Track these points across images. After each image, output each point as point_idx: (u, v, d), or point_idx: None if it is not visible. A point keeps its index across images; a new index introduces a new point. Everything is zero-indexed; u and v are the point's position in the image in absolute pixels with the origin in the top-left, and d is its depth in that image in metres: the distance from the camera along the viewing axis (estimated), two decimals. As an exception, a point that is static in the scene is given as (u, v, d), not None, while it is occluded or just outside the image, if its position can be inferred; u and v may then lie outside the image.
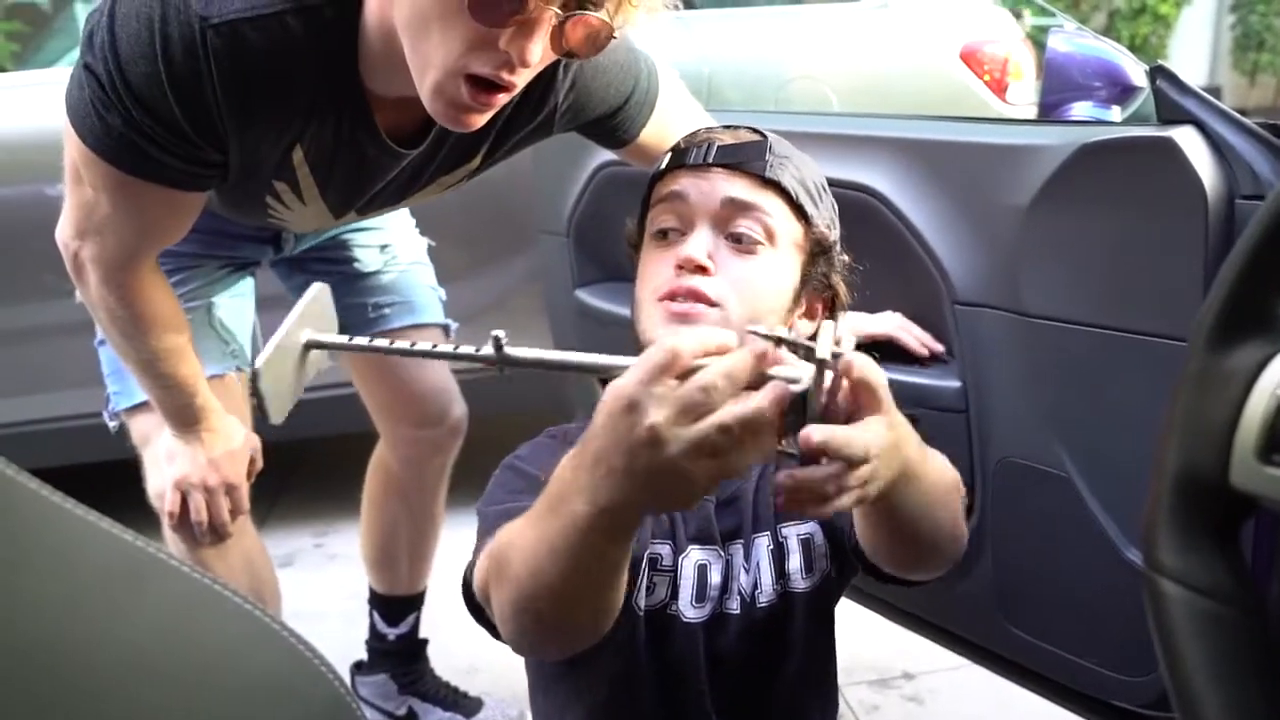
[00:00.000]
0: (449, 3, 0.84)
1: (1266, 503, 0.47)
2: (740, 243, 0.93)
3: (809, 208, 0.96)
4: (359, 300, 1.49)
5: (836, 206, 1.02)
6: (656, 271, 0.94)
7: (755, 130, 0.99)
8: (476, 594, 0.81)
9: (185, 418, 1.21)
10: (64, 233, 1.08)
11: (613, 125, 1.18)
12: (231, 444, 1.25)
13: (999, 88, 2.64)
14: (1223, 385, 0.49)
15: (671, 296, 0.91)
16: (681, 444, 0.60)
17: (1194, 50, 10.12)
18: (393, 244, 1.52)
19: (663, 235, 0.95)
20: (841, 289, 1.01)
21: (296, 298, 1.50)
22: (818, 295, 0.99)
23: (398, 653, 1.71)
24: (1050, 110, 1.32)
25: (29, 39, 2.94)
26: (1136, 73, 1.30)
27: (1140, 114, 1.40)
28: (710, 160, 0.94)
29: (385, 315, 1.50)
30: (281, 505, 2.64)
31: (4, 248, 2.21)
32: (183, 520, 1.25)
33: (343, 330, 1.48)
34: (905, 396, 1.21)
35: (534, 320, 2.10)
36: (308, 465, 2.79)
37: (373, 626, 1.74)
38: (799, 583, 0.96)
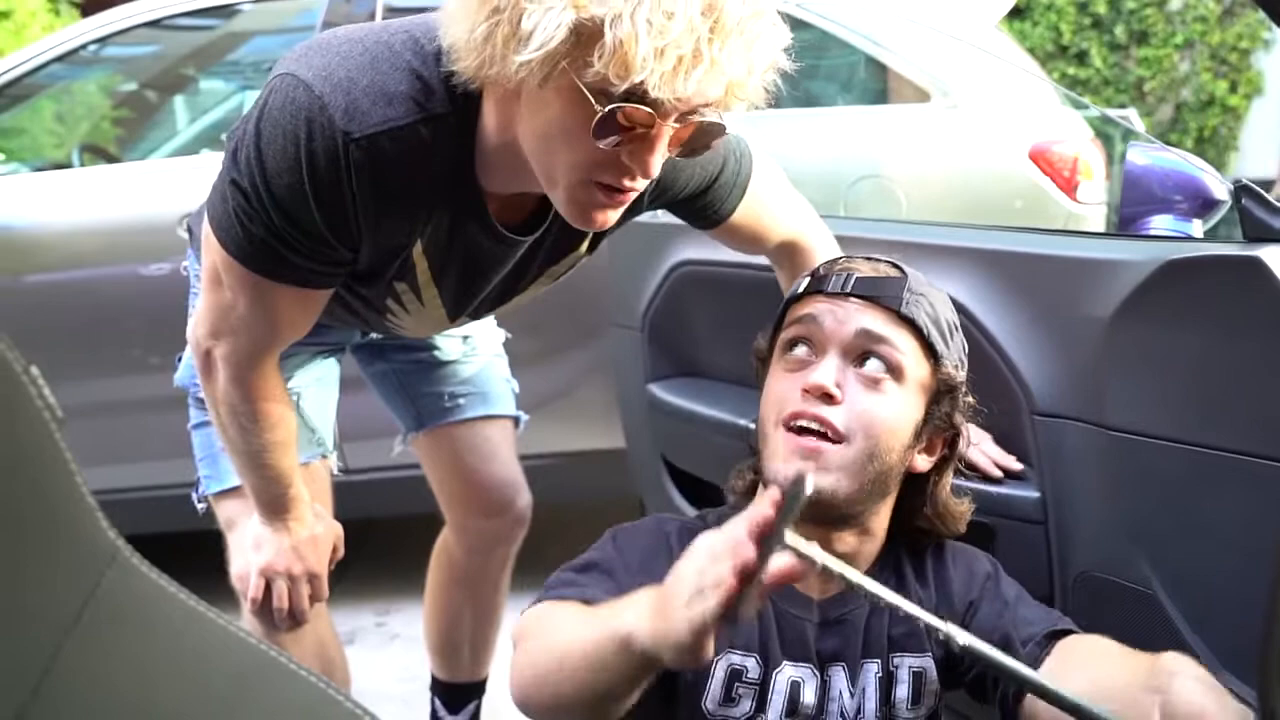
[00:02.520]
0: (573, 125, 0.88)
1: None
2: (869, 374, 0.95)
3: (939, 346, 0.98)
4: (436, 389, 1.54)
5: (966, 346, 1.05)
6: (783, 394, 0.96)
7: (895, 265, 1.02)
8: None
9: (278, 507, 1.25)
10: (198, 332, 1.14)
11: (702, 205, 1.19)
12: (316, 533, 1.29)
13: (1069, 187, 2.64)
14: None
15: (797, 419, 0.94)
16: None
17: (1265, 142, 9.99)
18: (474, 335, 1.56)
19: (792, 359, 0.98)
20: (964, 429, 1.03)
21: (376, 384, 1.57)
22: (939, 433, 1.01)
23: (459, 740, 1.71)
24: (1128, 223, 1.33)
25: (133, 125, 3.12)
26: (1217, 187, 1.31)
27: (1222, 226, 1.41)
28: (849, 290, 0.97)
29: (460, 405, 1.54)
30: (345, 582, 2.66)
31: (103, 322, 2.32)
32: (263, 605, 1.28)
33: (416, 419, 1.54)
34: (983, 507, 1.21)
35: (603, 412, 2.14)
36: (372, 543, 2.82)
37: (434, 713, 1.74)
38: (905, 713, 0.97)
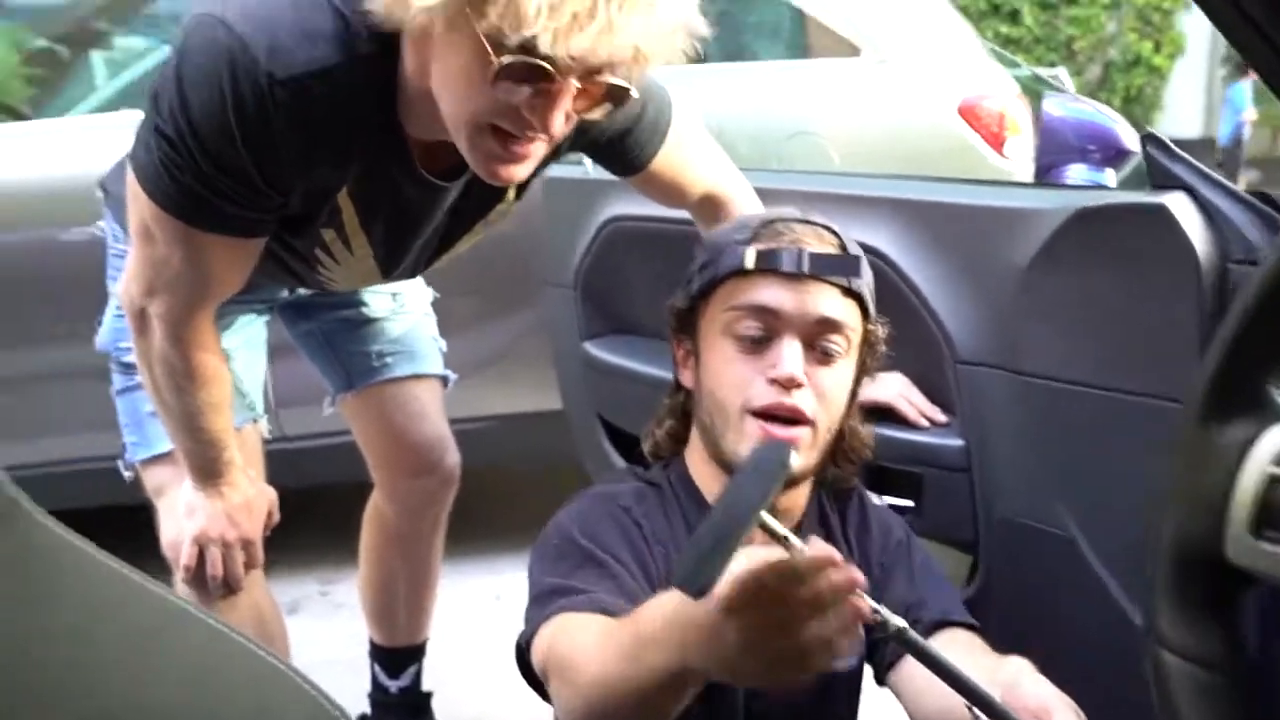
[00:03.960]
0: (475, 73, 0.88)
1: (1262, 578, 0.49)
2: (825, 355, 0.97)
3: (871, 309, 1.02)
4: (364, 348, 1.52)
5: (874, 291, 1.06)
6: (745, 380, 0.96)
7: (829, 229, 1.01)
8: (535, 669, 0.87)
9: (211, 471, 1.23)
10: (132, 291, 1.11)
11: (623, 149, 1.19)
12: (250, 498, 1.27)
13: (997, 143, 2.68)
14: (1215, 460, 0.51)
15: (769, 414, 0.94)
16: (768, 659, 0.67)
17: (1188, 102, 10.24)
18: (403, 293, 1.54)
19: (747, 339, 0.97)
20: (873, 364, 1.06)
21: (304, 345, 1.54)
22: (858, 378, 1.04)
23: (401, 705, 1.71)
24: (1045, 173, 1.36)
25: (46, 84, 2.99)
26: (1129, 137, 1.34)
27: (1133, 176, 1.44)
28: (805, 270, 0.96)
29: (388, 364, 1.52)
30: (289, 552, 2.61)
31: (20, 289, 2.23)
32: (197, 573, 1.26)
33: (344, 379, 1.52)
34: (908, 455, 1.24)
35: (541, 373, 2.13)
36: (315, 512, 2.78)
37: (375, 679, 1.74)
38: (837, 662, 0.99)
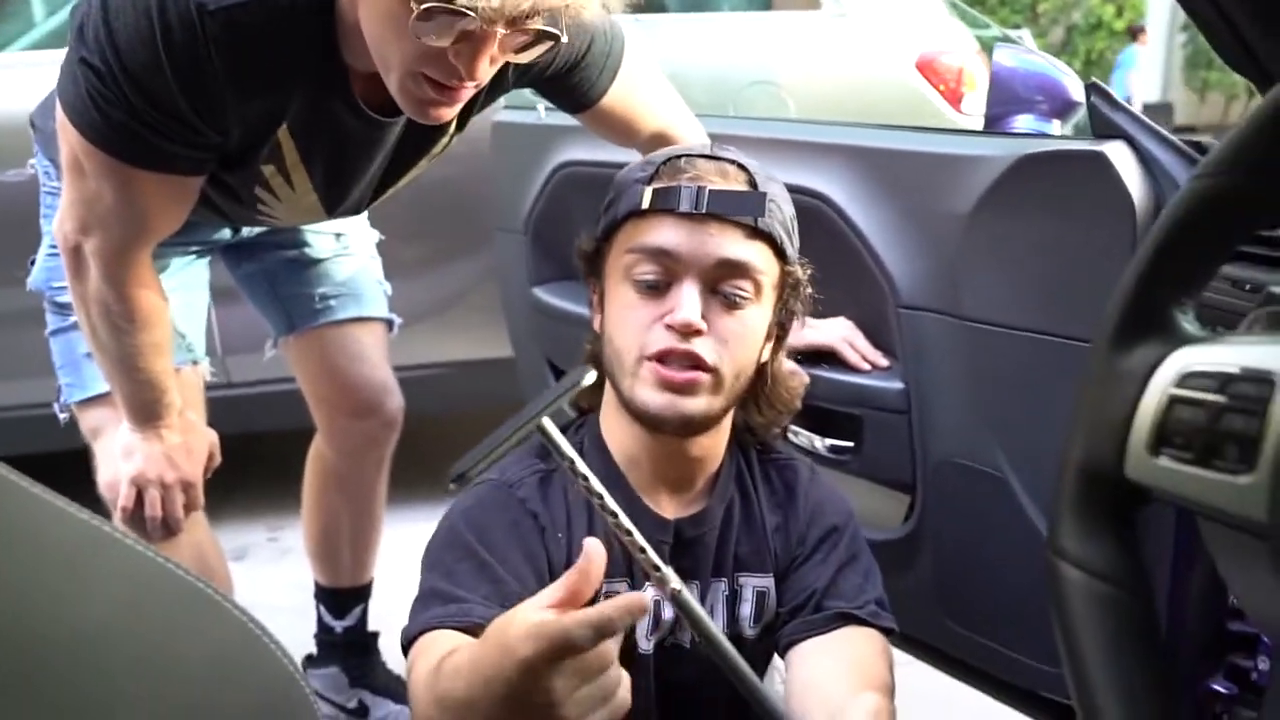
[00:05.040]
0: (399, 19, 0.86)
1: (1157, 493, 0.51)
2: (730, 299, 0.92)
3: (788, 249, 0.96)
4: (306, 290, 1.51)
5: (796, 221, 1.01)
6: (642, 326, 0.92)
7: (740, 165, 0.95)
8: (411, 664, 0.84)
9: (150, 413, 1.22)
10: (65, 227, 1.08)
11: (571, 84, 1.18)
12: (190, 440, 1.26)
13: (954, 98, 2.70)
14: (1121, 383, 0.53)
15: (664, 358, 0.90)
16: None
17: (1147, 66, 10.35)
18: (347, 233, 1.53)
19: (643, 284, 0.92)
20: (799, 307, 1.01)
21: (246, 287, 1.53)
22: (778, 324, 1.00)
23: (346, 645, 1.73)
24: (995, 123, 1.37)
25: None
26: (1076, 88, 1.35)
27: (1080, 129, 1.46)
28: (704, 209, 0.91)
29: (331, 306, 1.52)
30: (236, 498, 2.62)
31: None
32: (135, 514, 1.26)
33: (287, 321, 1.52)
34: (849, 398, 1.26)
35: (492, 320, 2.13)
36: (263, 459, 2.77)
37: (320, 619, 1.75)
38: (748, 630, 1.00)
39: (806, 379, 1.08)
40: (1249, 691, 0.96)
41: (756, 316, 0.94)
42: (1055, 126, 1.35)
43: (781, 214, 0.95)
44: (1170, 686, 0.51)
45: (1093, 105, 1.09)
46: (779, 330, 1.01)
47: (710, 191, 0.91)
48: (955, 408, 1.22)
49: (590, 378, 0.65)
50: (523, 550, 0.92)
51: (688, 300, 0.90)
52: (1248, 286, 0.85)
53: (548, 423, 0.66)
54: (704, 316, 0.90)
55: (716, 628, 0.71)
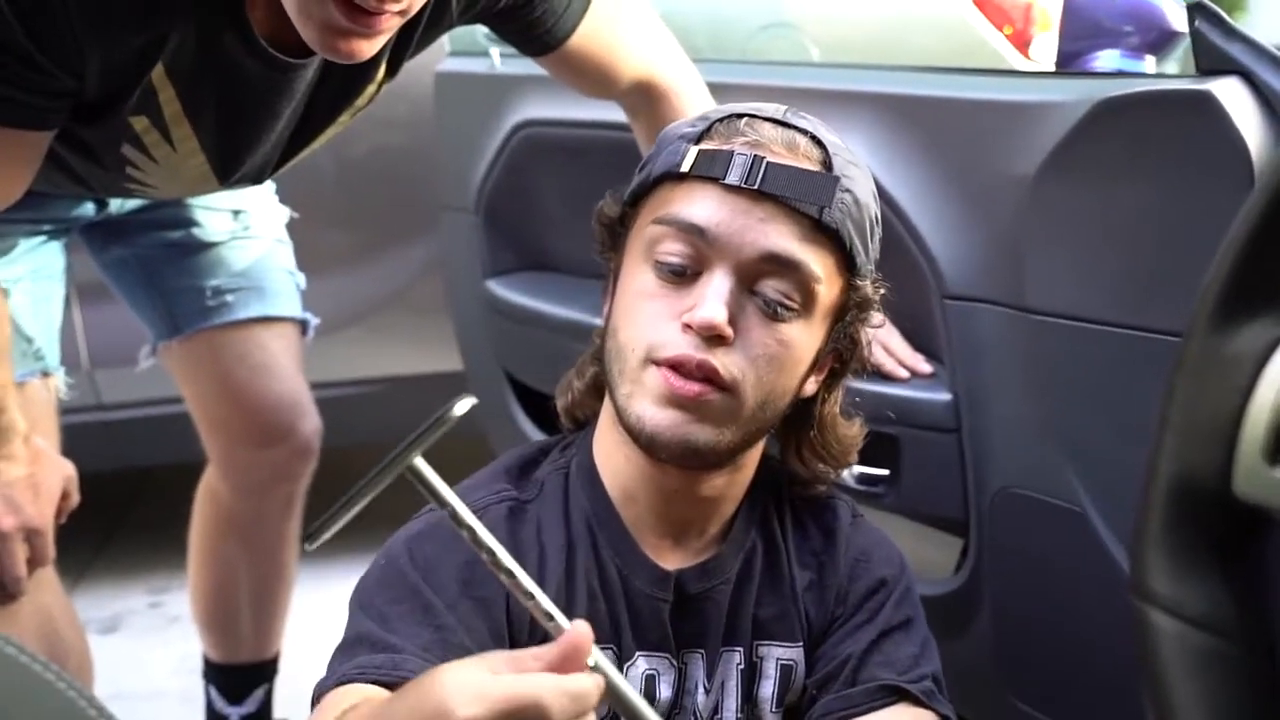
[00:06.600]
0: None
1: (1277, 514, 0.49)
2: (770, 306, 0.89)
3: (860, 259, 0.93)
4: (195, 282, 1.48)
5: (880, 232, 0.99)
6: (654, 321, 0.90)
7: (816, 139, 0.92)
8: None
9: None
10: None
11: (531, 21, 1.17)
12: (37, 474, 1.23)
13: (1021, 41, 2.69)
14: (1226, 373, 0.51)
15: (676, 367, 0.88)
16: None
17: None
18: (248, 210, 1.51)
19: (665, 267, 0.91)
20: (863, 339, 0.99)
21: (113, 276, 1.50)
22: (836, 350, 0.98)
23: (245, 741, 1.70)
24: (1069, 61, 1.36)
25: None
26: (1176, 15, 1.34)
27: (1184, 67, 1.46)
28: (758, 185, 0.88)
29: (228, 303, 1.49)
30: (109, 552, 2.60)
31: None
32: None
33: (169, 322, 1.49)
34: (882, 413, 1.24)
35: (434, 322, 2.11)
36: (146, 502, 2.75)
37: (210, 706, 1.72)
38: (769, 714, 0.99)
39: (866, 430, 1.05)
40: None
41: (801, 335, 0.91)
42: (1149, 64, 1.34)
43: (858, 212, 0.92)
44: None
45: (1197, 32, 1.07)
46: (835, 363, 0.99)
47: (769, 164, 0.89)
48: (1018, 424, 1.20)
49: (466, 405, 0.63)
50: (476, 597, 0.90)
51: (714, 295, 0.87)
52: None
53: (420, 463, 0.64)
54: (733, 322, 0.88)
55: (641, 701, 0.68)
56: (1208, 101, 1.02)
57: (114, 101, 1.04)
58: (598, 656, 0.66)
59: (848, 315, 0.95)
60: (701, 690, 0.97)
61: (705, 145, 0.92)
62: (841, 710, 0.94)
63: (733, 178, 0.88)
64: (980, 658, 1.28)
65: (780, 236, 0.88)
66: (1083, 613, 1.18)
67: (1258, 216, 0.54)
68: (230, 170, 1.19)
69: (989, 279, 1.20)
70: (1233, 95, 1.03)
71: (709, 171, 0.90)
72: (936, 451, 1.26)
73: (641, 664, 0.95)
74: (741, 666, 0.98)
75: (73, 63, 0.97)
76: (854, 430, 1.03)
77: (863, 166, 0.95)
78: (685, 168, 0.91)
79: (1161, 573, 0.52)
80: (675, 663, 0.96)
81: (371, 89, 1.18)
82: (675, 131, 0.96)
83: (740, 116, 0.93)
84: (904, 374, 1.28)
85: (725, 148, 0.90)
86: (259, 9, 1.02)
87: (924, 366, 1.29)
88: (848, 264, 0.92)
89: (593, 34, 1.20)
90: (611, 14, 1.21)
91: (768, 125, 0.92)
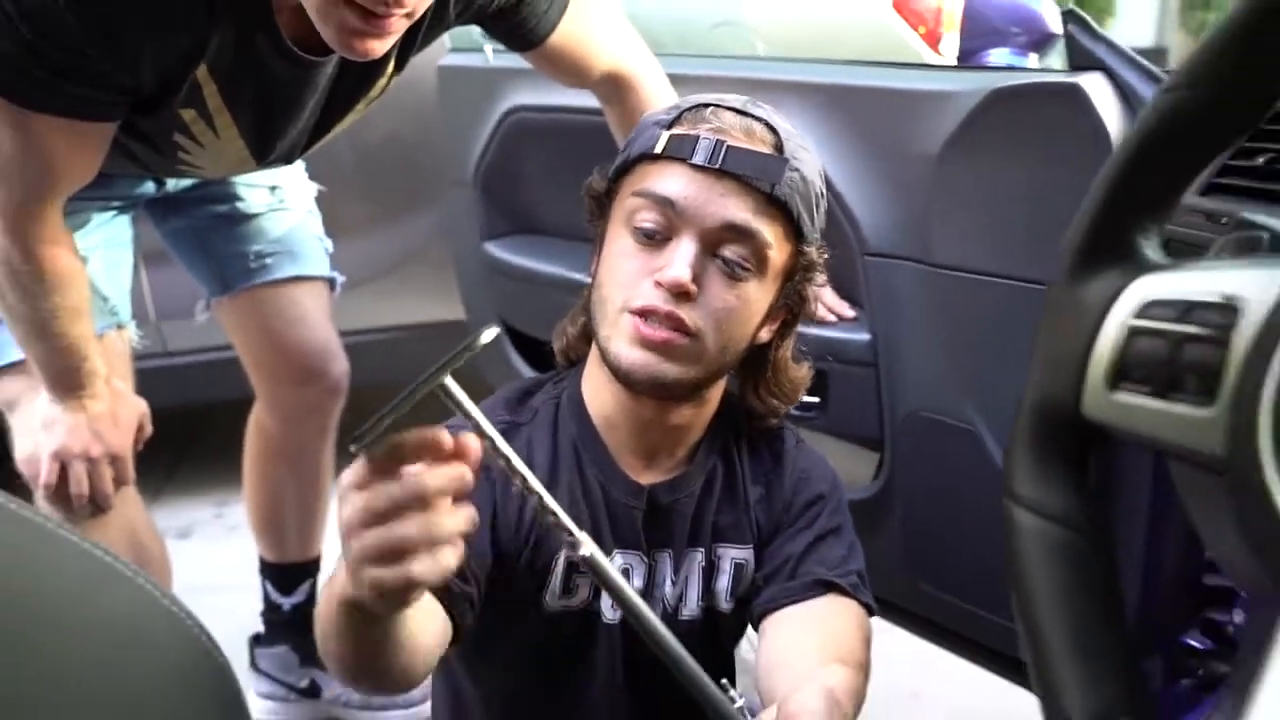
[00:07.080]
0: None
1: (1113, 430, 0.50)
2: (729, 267, 0.90)
3: (806, 228, 0.93)
4: (240, 248, 1.47)
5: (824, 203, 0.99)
6: (631, 277, 0.91)
7: (771, 127, 0.92)
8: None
9: (70, 382, 1.18)
10: None
11: (518, 20, 1.15)
12: (117, 409, 1.23)
13: (933, 39, 2.67)
14: (1078, 316, 0.52)
15: (646, 315, 0.89)
16: (353, 552, 0.63)
17: (1143, 9, 10.34)
18: (283, 186, 1.49)
19: (641, 233, 0.91)
20: (810, 295, 0.99)
21: (172, 244, 1.49)
22: (787, 305, 0.98)
23: (295, 623, 1.71)
24: (968, 57, 1.35)
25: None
26: (1055, 19, 1.34)
27: (1063, 63, 1.44)
28: (720, 165, 0.89)
29: (267, 265, 1.48)
30: (180, 474, 2.60)
31: None
32: (59, 491, 1.23)
33: (219, 281, 1.48)
34: (813, 350, 1.25)
35: (443, 278, 2.10)
36: (209, 432, 2.74)
37: (266, 597, 1.73)
38: (723, 603, 1.00)
39: (812, 371, 1.05)
40: (1224, 645, 0.96)
41: (755, 292, 0.92)
42: (1033, 60, 1.34)
43: (805, 188, 0.92)
44: (1126, 638, 0.50)
45: (1069, 34, 1.07)
46: (787, 315, 0.99)
47: (729, 147, 0.89)
48: (924, 359, 1.21)
49: (492, 334, 0.63)
50: (470, 502, 0.90)
51: (680, 258, 0.88)
52: (1223, 220, 0.84)
53: (450, 382, 0.64)
54: (697, 280, 0.88)
55: (637, 598, 0.69)
56: (1076, 93, 1.03)
57: (166, 96, 1.03)
58: (591, 548, 0.67)
59: (796, 276, 0.95)
60: (668, 584, 0.98)
61: (676, 130, 0.92)
62: (783, 600, 0.95)
63: (698, 159, 0.89)
64: (894, 550, 1.30)
65: (738, 209, 0.89)
66: (974, 512, 1.19)
67: (1108, 182, 0.55)
68: (265, 153, 1.18)
69: (902, 239, 1.21)
70: (1097, 88, 1.03)
71: (679, 153, 0.90)
72: (858, 382, 1.26)
73: (619, 559, 0.97)
74: (702, 564, 0.99)
75: (130, 64, 0.96)
76: (803, 372, 1.03)
77: (811, 150, 0.96)
78: (659, 149, 0.92)
79: (1027, 479, 0.53)
80: (646, 560, 0.98)
81: (383, 82, 1.17)
82: (651, 118, 0.96)
83: (706, 106, 0.94)
84: (831, 317, 1.28)
85: (692, 133, 0.91)
86: (286, 14, 1.00)
87: (848, 312, 1.29)
88: (796, 232, 0.93)
89: (569, 33, 1.19)
90: (585, 16, 1.19)
91: (729, 114, 0.92)
